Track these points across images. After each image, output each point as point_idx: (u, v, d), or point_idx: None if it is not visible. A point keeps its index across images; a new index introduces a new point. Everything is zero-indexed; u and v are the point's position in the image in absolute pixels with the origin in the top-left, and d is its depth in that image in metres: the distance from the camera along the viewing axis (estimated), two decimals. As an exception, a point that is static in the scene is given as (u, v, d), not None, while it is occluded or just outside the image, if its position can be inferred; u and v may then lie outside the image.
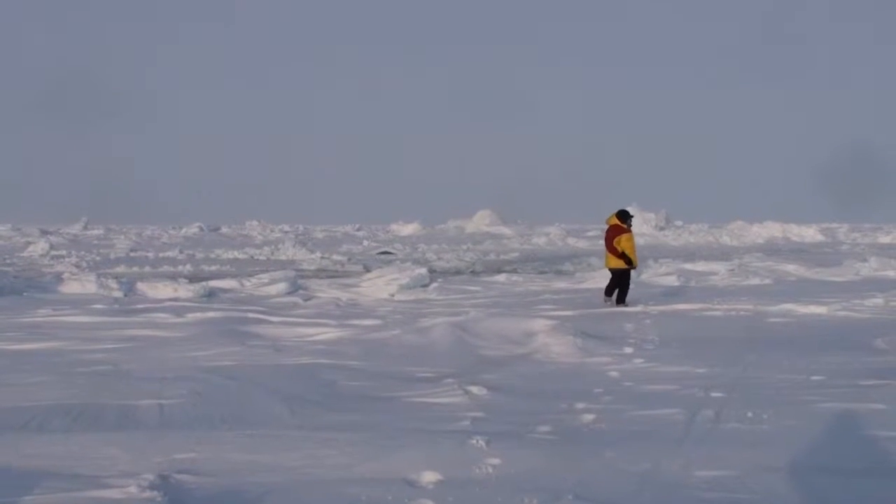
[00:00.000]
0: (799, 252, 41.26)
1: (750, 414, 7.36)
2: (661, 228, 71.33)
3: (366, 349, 11.40)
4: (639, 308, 15.87)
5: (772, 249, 44.25)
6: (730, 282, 22.23)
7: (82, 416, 7.32)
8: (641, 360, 10.53)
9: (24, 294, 18.15)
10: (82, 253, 41.31)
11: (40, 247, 43.73)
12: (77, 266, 31.24)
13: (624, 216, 16.44)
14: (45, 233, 63.83)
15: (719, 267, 26.03)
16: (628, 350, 11.32)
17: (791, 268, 26.34)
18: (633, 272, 17.09)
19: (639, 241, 58.90)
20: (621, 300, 16.37)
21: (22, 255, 40.11)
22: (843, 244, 53.04)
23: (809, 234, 64.41)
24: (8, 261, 34.03)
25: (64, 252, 42.21)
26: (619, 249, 16.15)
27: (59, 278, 20.71)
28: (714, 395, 8.29)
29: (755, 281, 22.30)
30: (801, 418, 7.16)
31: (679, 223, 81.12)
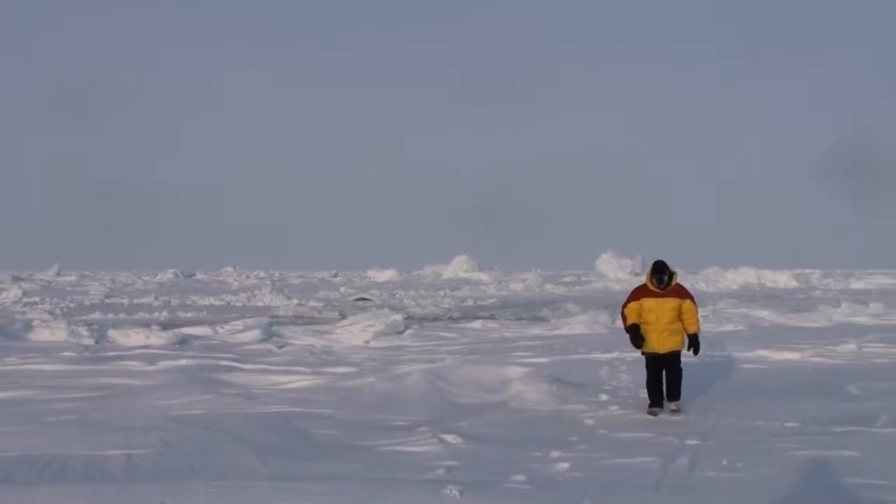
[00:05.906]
0: (773, 298, 41.52)
1: (725, 461, 7.35)
2: (637, 274, 71.59)
3: (339, 397, 11.30)
4: (614, 354, 15.84)
5: (746, 295, 44.50)
6: (704, 328, 22.22)
7: (49, 468, 7.18)
8: (617, 407, 10.51)
9: (-7, 342, 17.91)
10: (56, 300, 40.95)
11: (12, 293, 43.40)
12: (50, 313, 30.96)
13: (661, 270, 10.37)
14: (17, 279, 63.26)
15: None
16: (604, 397, 11.29)
17: (765, 314, 26.55)
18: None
19: (615, 287, 58.04)
20: (677, 396, 10.26)
21: (-7, 302, 39.69)
22: (815, 290, 53.42)
23: (783, 279, 64.88)
24: (-21, 308, 33.63)
25: (37, 299, 41.84)
26: (693, 328, 10.29)
27: (28, 326, 20.48)
28: (689, 442, 8.27)
29: (729, 327, 22.41)
30: (776, 466, 7.16)
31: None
